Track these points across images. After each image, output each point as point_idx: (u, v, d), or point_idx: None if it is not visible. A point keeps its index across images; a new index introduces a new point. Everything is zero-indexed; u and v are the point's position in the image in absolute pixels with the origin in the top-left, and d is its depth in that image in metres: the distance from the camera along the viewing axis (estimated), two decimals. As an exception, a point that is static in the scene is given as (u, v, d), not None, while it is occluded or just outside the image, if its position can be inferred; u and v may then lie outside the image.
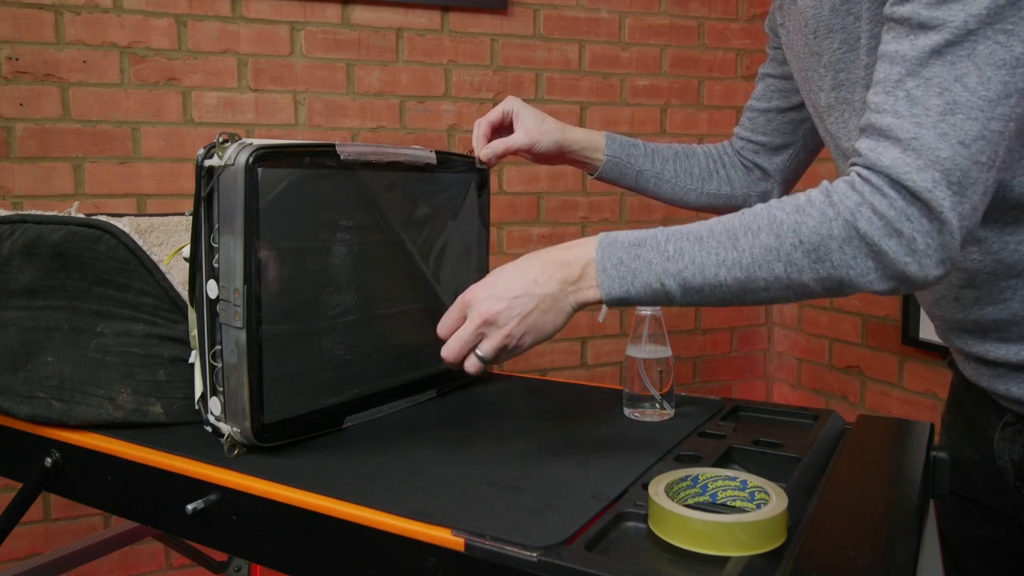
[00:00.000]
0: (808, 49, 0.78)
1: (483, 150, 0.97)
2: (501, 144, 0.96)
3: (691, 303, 0.66)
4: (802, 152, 1.00)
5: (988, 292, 0.72)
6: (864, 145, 0.62)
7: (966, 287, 0.73)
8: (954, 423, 0.89)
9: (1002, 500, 0.81)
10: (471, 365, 0.72)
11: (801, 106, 0.96)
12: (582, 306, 0.70)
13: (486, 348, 0.70)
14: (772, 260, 0.62)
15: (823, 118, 0.80)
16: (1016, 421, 0.76)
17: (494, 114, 0.98)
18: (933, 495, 0.78)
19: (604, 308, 0.73)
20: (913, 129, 0.58)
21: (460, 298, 0.72)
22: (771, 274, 0.62)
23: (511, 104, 0.98)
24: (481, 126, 0.98)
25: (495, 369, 1.20)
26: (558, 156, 0.98)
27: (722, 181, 1.02)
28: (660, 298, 0.66)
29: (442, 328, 0.73)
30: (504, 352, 0.71)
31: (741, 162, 1.03)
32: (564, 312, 0.69)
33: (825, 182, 0.64)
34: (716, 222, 0.66)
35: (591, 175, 1.01)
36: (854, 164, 0.62)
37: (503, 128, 0.99)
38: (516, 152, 0.97)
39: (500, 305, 0.69)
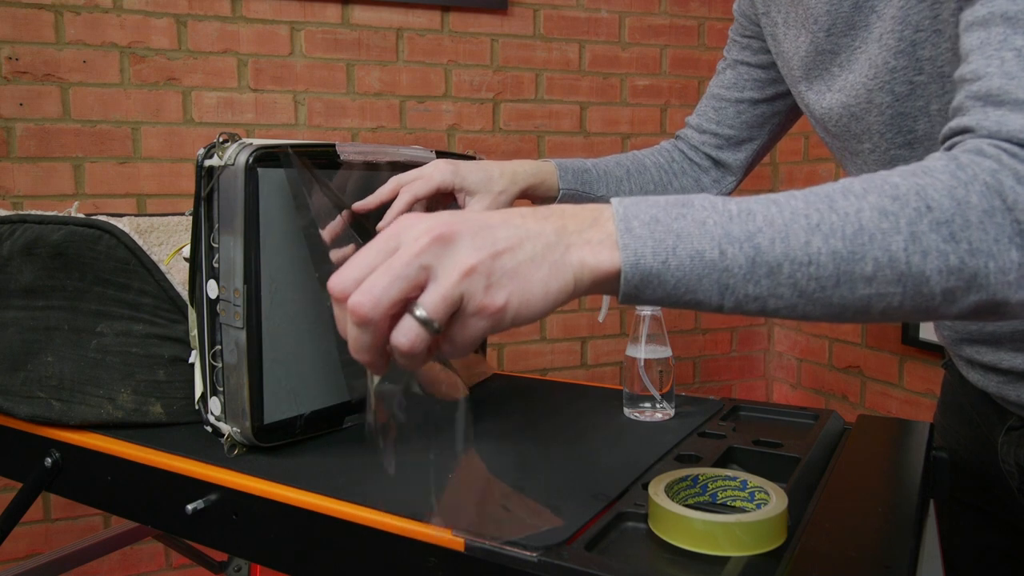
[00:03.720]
0: (815, 47, 0.75)
1: None
2: None
3: (755, 296, 0.44)
4: (762, 149, 0.96)
5: None
6: (972, 119, 0.48)
7: None
8: (951, 426, 0.89)
9: (1000, 504, 0.80)
10: (403, 333, 0.43)
11: (774, 99, 0.92)
12: (590, 281, 0.45)
13: (432, 297, 0.42)
14: (889, 230, 0.43)
15: (825, 120, 0.78)
16: (1021, 425, 0.75)
17: (422, 188, 0.76)
18: (933, 495, 0.78)
19: (604, 306, 0.63)
20: None
21: (387, 229, 0.45)
22: (885, 252, 0.43)
23: (444, 175, 0.77)
24: (403, 199, 0.76)
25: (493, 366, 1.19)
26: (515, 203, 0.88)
27: (676, 192, 0.97)
28: (712, 278, 0.44)
29: (350, 270, 0.44)
30: (464, 316, 0.43)
31: (695, 163, 0.98)
32: (562, 273, 0.44)
33: (936, 153, 0.48)
34: (793, 191, 0.46)
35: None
36: (958, 143, 0.48)
37: (437, 198, 0.79)
38: None
39: (464, 225, 0.44)
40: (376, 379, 0.50)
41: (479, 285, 0.43)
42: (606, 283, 0.45)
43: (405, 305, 0.43)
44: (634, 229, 0.44)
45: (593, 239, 0.45)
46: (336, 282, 0.44)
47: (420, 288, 0.43)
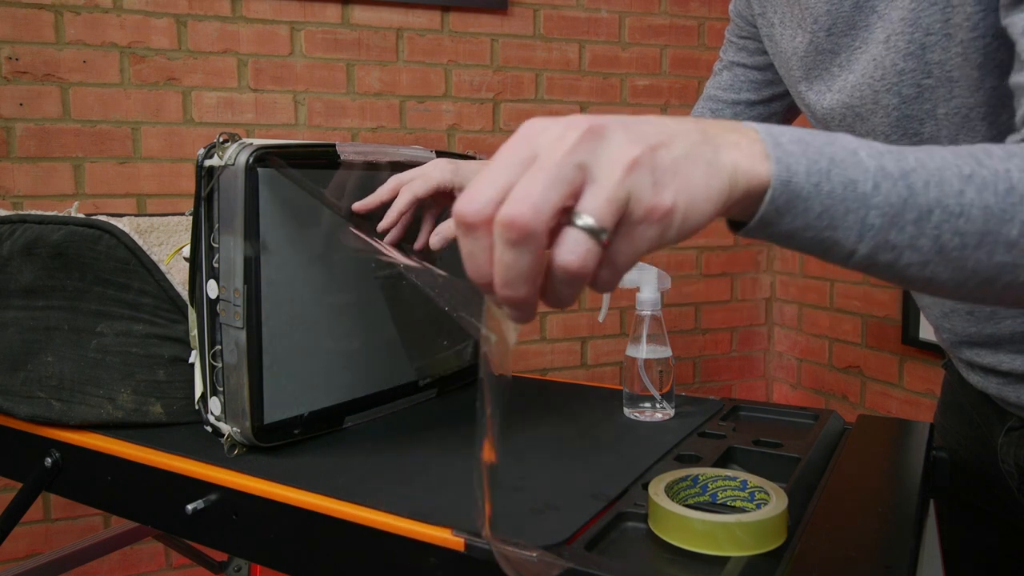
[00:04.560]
0: (815, 47, 0.74)
1: (433, 238, 0.77)
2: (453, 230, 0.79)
3: (894, 244, 0.40)
4: None
5: None
6: None
7: None
8: (951, 426, 0.89)
9: (1000, 504, 0.80)
10: (570, 249, 0.35)
11: (771, 100, 0.92)
12: (744, 188, 0.38)
13: (595, 200, 0.35)
14: None
15: (827, 120, 0.78)
16: (1021, 425, 0.75)
17: (421, 187, 0.76)
18: (933, 495, 0.78)
19: (604, 306, 0.60)
20: None
21: (513, 138, 0.38)
22: None
23: (444, 174, 0.76)
24: (404, 199, 0.76)
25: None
26: None
27: None
28: (858, 215, 0.39)
29: (482, 189, 0.36)
30: (630, 223, 0.36)
31: None
32: (718, 174, 0.38)
33: None
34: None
35: None
36: None
37: (436, 197, 0.79)
38: None
39: (609, 119, 0.37)
40: (516, 331, 0.40)
41: (646, 182, 0.36)
42: (754, 196, 0.39)
43: (560, 218, 0.36)
44: (783, 144, 0.39)
45: (741, 143, 0.39)
46: (466, 203, 0.36)
47: (575, 194, 0.36)
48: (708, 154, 0.38)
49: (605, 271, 0.37)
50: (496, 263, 0.36)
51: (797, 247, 0.42)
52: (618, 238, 0.36)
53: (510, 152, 0.37)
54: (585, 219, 0.35)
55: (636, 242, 0.37)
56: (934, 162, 0.41)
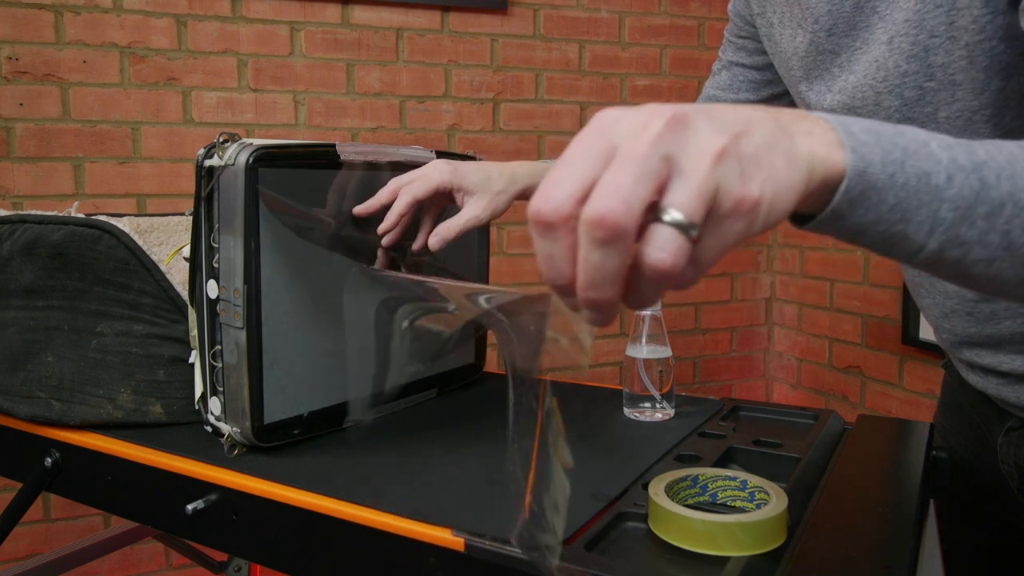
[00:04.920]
0: (816, 47, 0.74)
1: (432, 239, 0.78)
2: (453, 229, 0.78)
3: (964, 240, 0.39)
4: None
5: (1006, 305, 0.69)
6: None
7: (982, 301, 0.70)
8: (951, 426, 0.89)
9: (1000, 504, 0.80)
10: (660, 247, 0.33)
11: (770, 100, 0.92)
12: (820, 178, 0.37)
13: (685, 193, 0.33)
14: None
15: None
16: (1021, 425, 0.75)
17: (421, 188, 0.77)
18: (933, 495, 0.78)
19: None
20: None
21: (586, 130, 0.36)
22: None
23: (443, 175, 0.77)
24: (403, 201, 0.76)
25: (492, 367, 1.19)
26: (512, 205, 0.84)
27: None
28: (931, 209, 0.38)
29: (559, 185, 0.34)
30: (718, 217, 0.34)
31: None
32: (797, 163, 0.36)
33: None
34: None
35: None
36: None
37: (435, 198, 0.80)
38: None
39: (689, 106, 0.35)
40: (591, 333, 0.38)
41: (734, 172, 0.34)
42: (828, 187, 0.38)
43: (645, 214, 0.33)
44: (856, 134, 0.38)
45: (814, 131, 0.38)
46: (543, 201, 0.34)
47: (661, 188, 0.33)
48: (786, 142, 0.36)
49: (690, 269, 0.35)
50: (581, 264, 0.34)
51: (864, 242, 0.40)
52: (706, 233, 0.34)
53: (586, 144, 0.35)
54: (674, 214, 0.33)
55: (724, 236, 0.35)
56: (1003, 155, 0.40)
